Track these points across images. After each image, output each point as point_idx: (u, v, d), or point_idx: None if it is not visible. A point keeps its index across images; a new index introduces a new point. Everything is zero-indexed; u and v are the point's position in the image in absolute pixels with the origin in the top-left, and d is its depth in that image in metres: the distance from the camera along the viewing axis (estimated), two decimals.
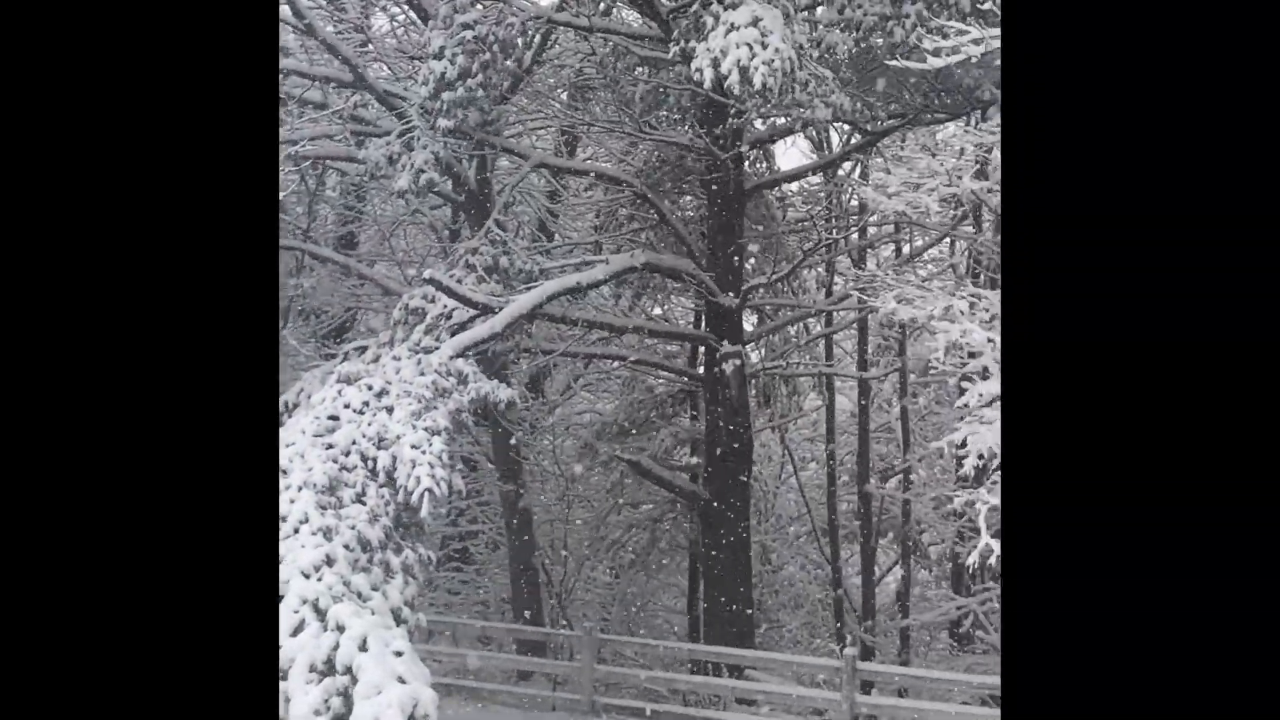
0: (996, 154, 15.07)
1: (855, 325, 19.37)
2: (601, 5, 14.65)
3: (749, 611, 14.65)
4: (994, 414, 9.22)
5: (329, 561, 8.63)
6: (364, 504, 9.45)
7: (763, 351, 18.96)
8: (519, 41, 12.36)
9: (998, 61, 9.52)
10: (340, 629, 8.06)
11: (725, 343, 14.34)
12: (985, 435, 9.06)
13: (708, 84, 9.93)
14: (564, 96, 16.37)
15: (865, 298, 11.26)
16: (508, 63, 11.99)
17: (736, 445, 14.41)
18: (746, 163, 15.33)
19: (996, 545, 8.49)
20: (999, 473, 9.33)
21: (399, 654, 8.02)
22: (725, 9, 10.01)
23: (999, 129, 10.61)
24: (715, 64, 9.77)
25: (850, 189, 17.87)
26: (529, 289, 12.76)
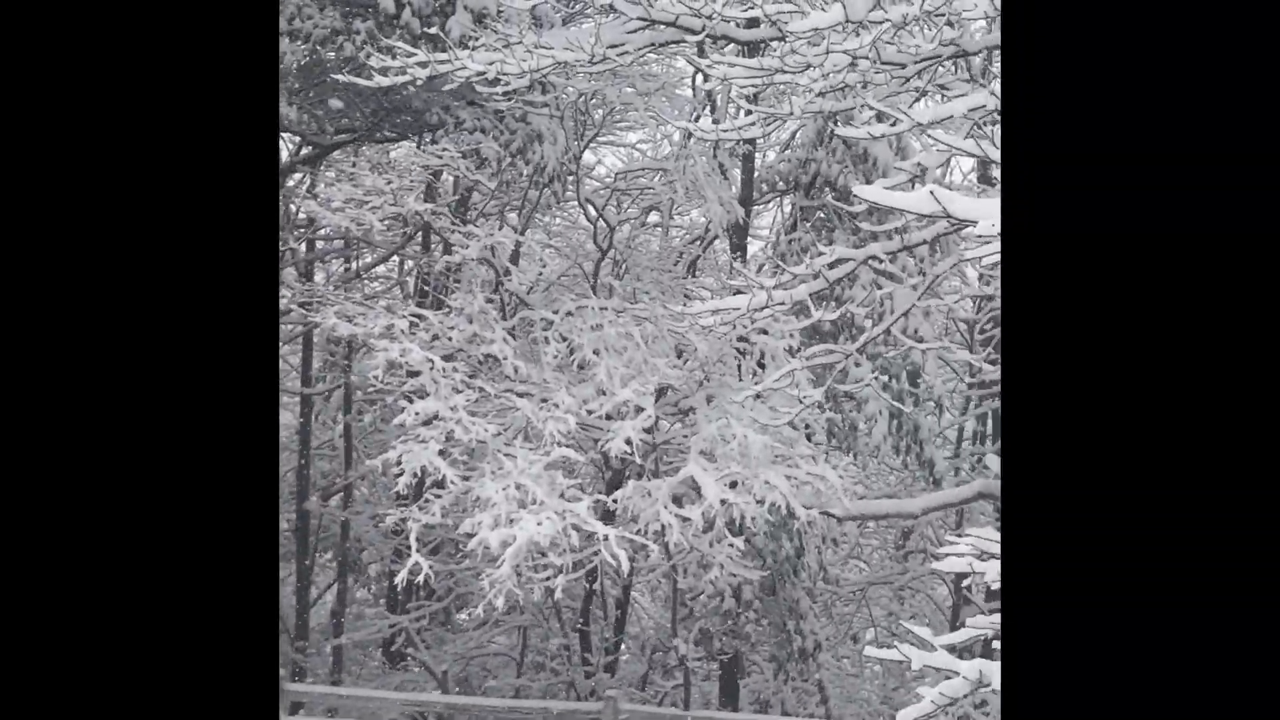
0: (445, 176, 15.40)
1: (299, 340, 19.06)
2: None
3: None
4: (430, 432, 9.36)
5: None
6: None
7: None
8: None
9: (446, 86, 9.71)
10: None
11: None
12: (420, 454, 9.18)
13: None
14: None
15: (308, 313, 11.09)
16: None
17: None
18: None
19: (426, 563, 8.64)
20: (432, 490, 9.50)
21: None
22: None
23: (445, 151, 10.81)
24: None
25: (298, 201, 17.57)
26: None
